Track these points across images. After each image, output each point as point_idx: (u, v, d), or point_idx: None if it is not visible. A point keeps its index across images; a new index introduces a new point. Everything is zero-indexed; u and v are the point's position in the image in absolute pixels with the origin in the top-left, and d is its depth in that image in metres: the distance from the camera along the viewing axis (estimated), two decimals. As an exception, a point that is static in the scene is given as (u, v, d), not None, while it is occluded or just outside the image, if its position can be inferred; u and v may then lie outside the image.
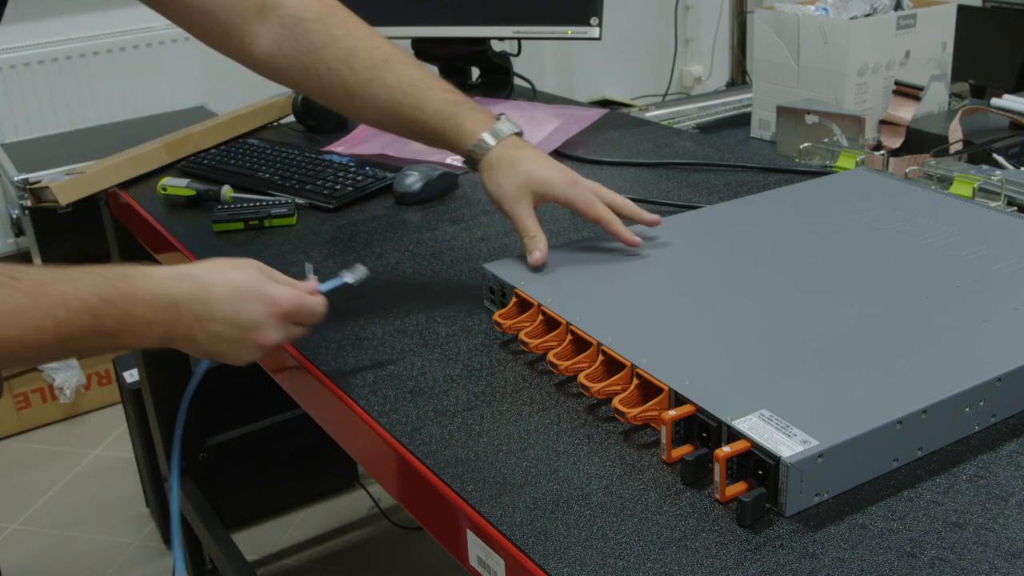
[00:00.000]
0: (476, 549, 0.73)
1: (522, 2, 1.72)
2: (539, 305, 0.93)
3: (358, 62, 1.02)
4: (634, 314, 0.91)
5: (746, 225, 1.09)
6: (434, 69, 1.89)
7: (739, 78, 3.17)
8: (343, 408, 0.91)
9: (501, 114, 1.05)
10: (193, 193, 1.40)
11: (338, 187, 1.38)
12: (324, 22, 1.04)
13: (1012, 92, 1.67)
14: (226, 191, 1.40)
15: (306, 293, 0.90)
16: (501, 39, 1.81)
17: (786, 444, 0.70)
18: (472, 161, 1.03)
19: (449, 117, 1.02)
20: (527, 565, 0.68)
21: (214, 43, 1.07)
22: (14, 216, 2.76)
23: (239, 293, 0.86)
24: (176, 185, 1.41)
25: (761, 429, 0.71)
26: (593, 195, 1.02)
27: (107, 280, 0.82)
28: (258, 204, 1.33)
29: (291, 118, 1.74)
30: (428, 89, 1.03)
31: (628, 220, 1.05)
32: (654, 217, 1.05)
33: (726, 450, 0.70)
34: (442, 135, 1.03)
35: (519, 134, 1.04)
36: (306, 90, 1.08)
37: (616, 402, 0.79)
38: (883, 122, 1.62)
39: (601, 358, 0.85)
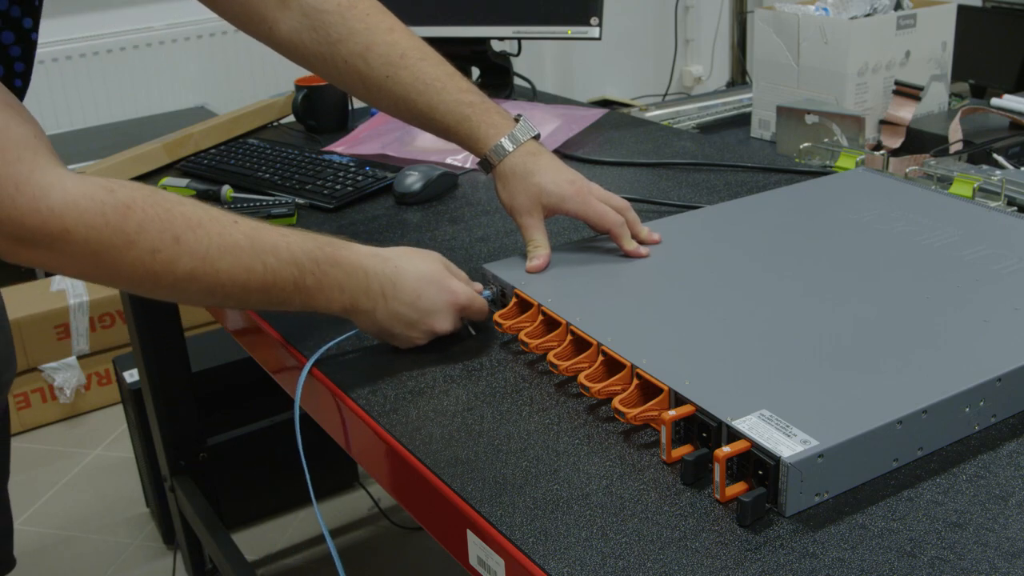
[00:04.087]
0: (476, 549, 0.73)
1: (522, 2, 1.72)
2: (539, 305, 0.93)
3: (374, 58, 1.03)
4: (634, 314, 0.91)
5: (746, 225, 1.09)
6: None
7: (739, 78, 3.18)
8: (343, 408, 0.91)
9: (519, 115, 1.05)
10: (193, 193, 1.40)
11: (338, 187, 1.38)
12: (343, 15, 1.04)
13: (1012, 92, 1.68)
14: (226, 191, 1.40)
15: (477, 292, 0.96)
16: (501, 39, 1.81)
17: (786, 444, 0.70)
18: (487, 166, 1.04)
19: (463, 119, 1.03)
20: (527, 565, 0.68)
21: (239, 25, 1.09)
22: (14, 216, 2.76)
23: (425, 280, 0.92)
24: (176, 185, 1.41)
25: (761, 429, 0.71)
26: (605, 206, 1.02)
27: (315, 242, 0.89)
28: (258, 204, 1.33)
29: (291, 118, 1.74)
30: (443, 89, 1.03)
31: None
32: (654, 236, 1.06)
33: (726, 450, 0.70)
34: (456, 136, 1.04)
35: (536, 137, 1.04)
36: (326, 78, 1.09)
37: (616, 402, 0.79)
38: (883, 122, 1.62)
39: (601, 358, 0.85)
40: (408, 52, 1.03)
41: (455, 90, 1.03)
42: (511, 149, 1.02)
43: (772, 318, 0.88)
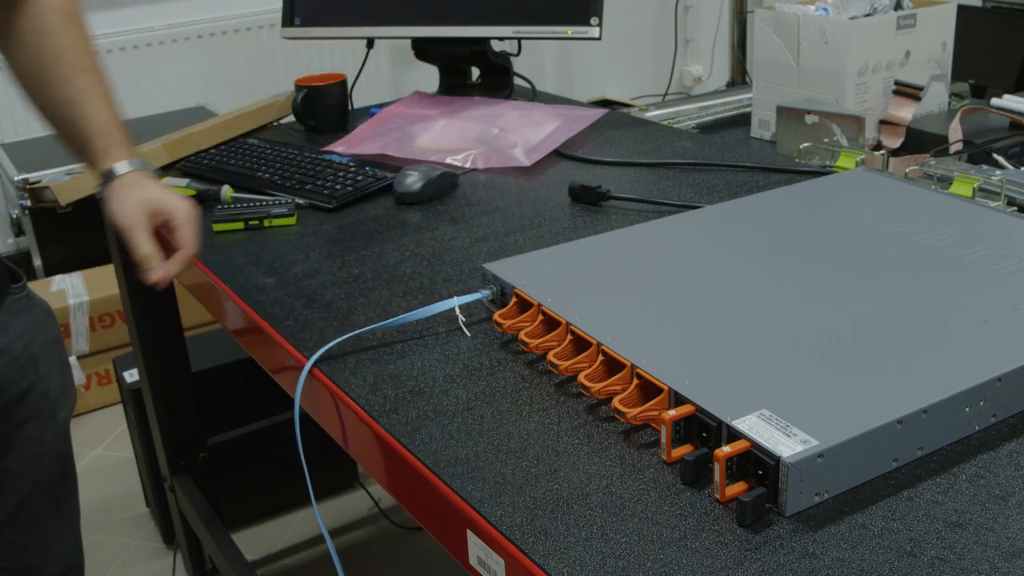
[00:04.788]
0: (476, 549, 0.73)
1: (522, 2, 1.72)
2: (539, 305, 0.93)
3: (66, 59, 1.09)
4: (634, 314, 0.91)
5: (746, 225, 1.09)
6: (434, 70, 1.89)
7: (739, 78, 3.18)
8: (343, 408, 0.91)
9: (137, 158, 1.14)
10: (193, 193, 1.40)
11: (338, 187, 1.38)
12: (60, 17, 1.10)
13: (1012, 92, 1.68)
14: (226, 191, 1.40)
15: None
16: (501, 39, 1.81)
17: (786, 444, 0.70)
18: (103, 184, 1.10)
19: (103, 135, 1.10)
20: (527, 565, 0.68)
21: None
22: (14, 216, 2.76)
23: None
24: (176, 185, 1.41)
25: (761, 429, 0.71)
26: (177, 222, 1.09)
27: None
28: (258, 204, 1.33)
29: (291, 118, 1.74)
30: (102, 108, 1.11)
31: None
32: (156, 278, 1.09)
33: (726, 450, 0.70)
34: (88, 149, 1.11)
35: (149, 172, 1.13)
36: (13, 63, 1.12)
37: (616, 402, 0.79)
38: (883, 122, 1.62)
39: (601, 358, 0.85)
40: (91, 69, 1.11)
41: (111, 114, 1.11)
42: (125, 171, 1.10)
43: (772, 318, 0.88)
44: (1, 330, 1.04)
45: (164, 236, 1.11)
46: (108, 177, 1.10)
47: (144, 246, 1.07)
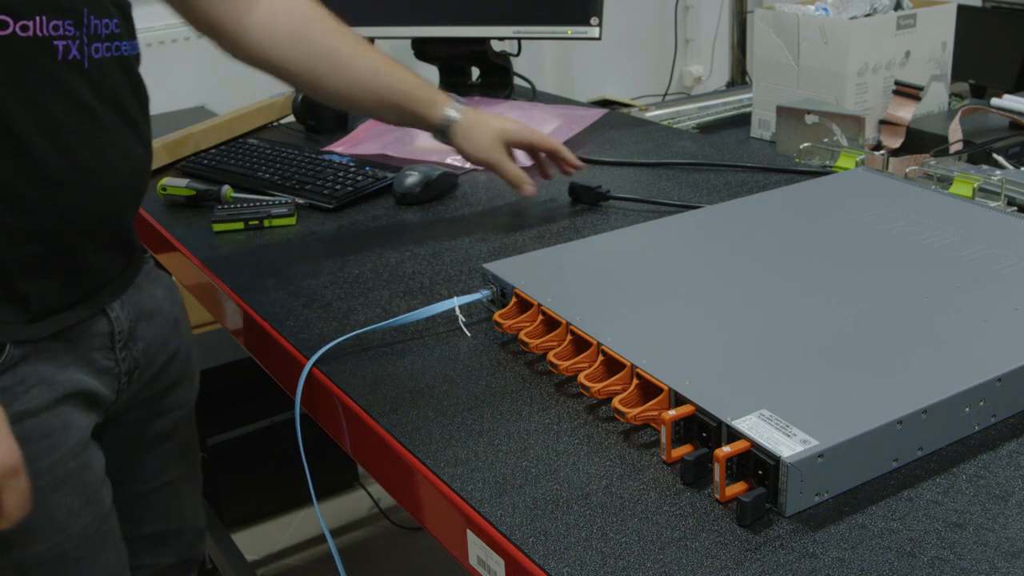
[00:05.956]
0: (476, 549, 0.73)
1: (522, 2, 1.72)
2: (539, 305, 0.93)
3: (344, 38, 1.16)
4: (634, 314, 0.91)
5: (746, 225, 1.09)
6: (434, 70, 1.89)
7: (739, 78, 3.18)
8: (343, 408, 0.91)
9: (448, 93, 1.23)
10: (193, 193, 1.40)
11: (338, 187, 1.38)
12: (304, 4, 1.16)
13: (1012, 92, 1.68)
14: (226, 191, 1.40)
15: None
16: (501, 39, 1.81)
17: (786, 444, 0.70)
18: (443, 131, 1.21)
19: (419, 89, 1.20)
20: (527, 565, 0.68)
21: (202, 26, 1.23)
22: (14, 216, 2.75)
23: None
24: (176, 185, 1.41)
25: (761, 429, 0.71)
26: (534, 142, 1.28)
27: None
28: (258, 204, 1.33)
29: (291, 118, 1.74)
30: (402, 70, 1.19)
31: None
32: (533, 189, 1.25)
33: (726, 450, 0.70)
34: (413, 107, 1.18)
35: (471, 106, 1.23)
36: (292, 56, 1.15)
37: (616, 402, 0.79)
38: (883, 122, 1.62)
39: (601, 358, 0.85)
40: (365, 41, 1.17)
41: (410, 73, 1.20)
42: (459, 112, 1.20)
43: (772, 318, 0.88)
44: (149, 295, 1.09)
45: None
46: (446, 123, 1.20)
47: (513, 170, 1.23)
